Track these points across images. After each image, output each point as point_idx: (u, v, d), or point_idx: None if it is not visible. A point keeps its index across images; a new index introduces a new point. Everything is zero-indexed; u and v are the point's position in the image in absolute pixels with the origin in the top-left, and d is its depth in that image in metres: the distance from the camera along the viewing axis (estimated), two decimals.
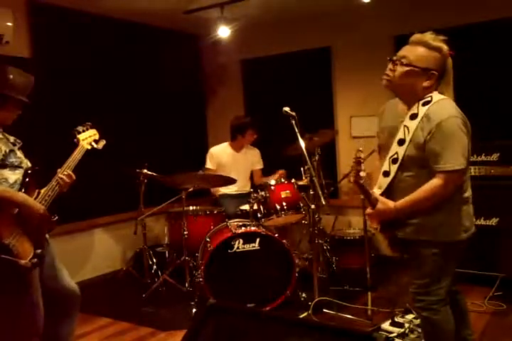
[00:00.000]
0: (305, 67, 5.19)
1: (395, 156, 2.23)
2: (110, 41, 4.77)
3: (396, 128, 2.27)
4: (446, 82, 2.23)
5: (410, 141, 2.17)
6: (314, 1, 4.51)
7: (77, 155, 2.57)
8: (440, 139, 2.09)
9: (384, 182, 2.29)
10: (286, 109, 3.31)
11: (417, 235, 2.24)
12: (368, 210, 2.28)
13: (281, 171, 4.58)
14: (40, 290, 2.36)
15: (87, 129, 2.74)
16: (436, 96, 2.18)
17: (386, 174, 2.28)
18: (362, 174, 2.15)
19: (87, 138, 2.70)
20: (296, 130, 3.29)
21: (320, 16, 4.91)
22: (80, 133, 2.67)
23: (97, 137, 2.78)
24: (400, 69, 2.20)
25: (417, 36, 2.22)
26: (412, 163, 2.20)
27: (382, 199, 2.25)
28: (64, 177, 2.45)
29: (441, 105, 2.15)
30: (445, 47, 2.19)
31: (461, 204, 2.23)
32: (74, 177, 2.51)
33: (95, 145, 2.73)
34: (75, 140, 2.64)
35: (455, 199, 2.20)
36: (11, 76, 2.30)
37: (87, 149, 2.65)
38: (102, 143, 2.78)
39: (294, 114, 3.30)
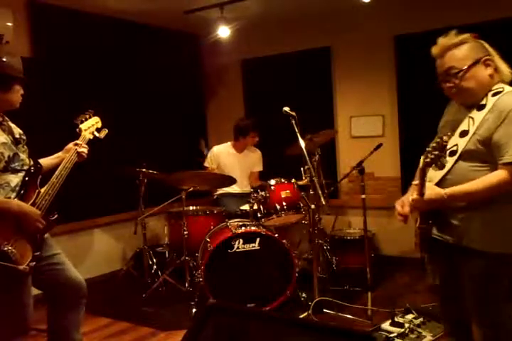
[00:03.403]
0: (305, 67, 5.18)
1: (454, 148, 2.02)
2: (110, 41, 4.77)
3: (458, 122, 2.09)
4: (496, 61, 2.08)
5: (474, 132, 1.97)
6: (314, 1, 4.51)
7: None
8: (507, 130, 1.91)
9: (437, 175, 2.06)
10: (286, 109, 3.32)
11: (462, 240, 1.97)
12: (415, 196, 1.99)
13: None
14: (32, 288, 2.34)
15: (90, 117, 2.66)
16: (508, 87, 2.03)
17: (441, 167, 2.03)
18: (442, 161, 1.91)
19: (90, 127, 2.61)
20: (296, 130, 3.29)
21: (320, 16, 4.91)
22: (82, 122, 2.59)
23: (99, 125, 2.69)
24: (458, 81, 2.04)
25: (440, 45, 2.08)
26: (471, 156, 1.99)
27: (430, 185, 1.99)
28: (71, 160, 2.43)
29: None
30: (466, 36, 2.08)
31: None
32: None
33: (97, 135, 2.64)
34: (77, 130, 2.57)
35: None
36: (4, 58, 2.30)
37: (90, 139, 2.57)
38: (104, 132, 2.69)
39: (294, 113, 3.30)
